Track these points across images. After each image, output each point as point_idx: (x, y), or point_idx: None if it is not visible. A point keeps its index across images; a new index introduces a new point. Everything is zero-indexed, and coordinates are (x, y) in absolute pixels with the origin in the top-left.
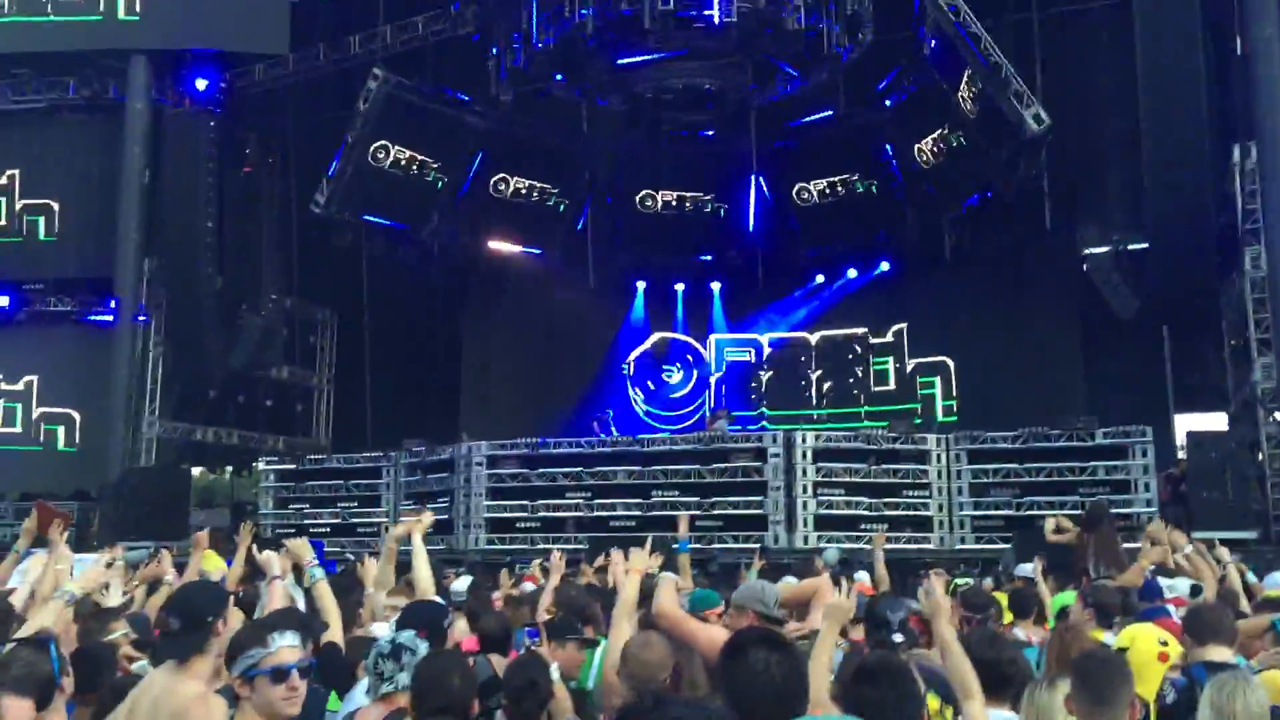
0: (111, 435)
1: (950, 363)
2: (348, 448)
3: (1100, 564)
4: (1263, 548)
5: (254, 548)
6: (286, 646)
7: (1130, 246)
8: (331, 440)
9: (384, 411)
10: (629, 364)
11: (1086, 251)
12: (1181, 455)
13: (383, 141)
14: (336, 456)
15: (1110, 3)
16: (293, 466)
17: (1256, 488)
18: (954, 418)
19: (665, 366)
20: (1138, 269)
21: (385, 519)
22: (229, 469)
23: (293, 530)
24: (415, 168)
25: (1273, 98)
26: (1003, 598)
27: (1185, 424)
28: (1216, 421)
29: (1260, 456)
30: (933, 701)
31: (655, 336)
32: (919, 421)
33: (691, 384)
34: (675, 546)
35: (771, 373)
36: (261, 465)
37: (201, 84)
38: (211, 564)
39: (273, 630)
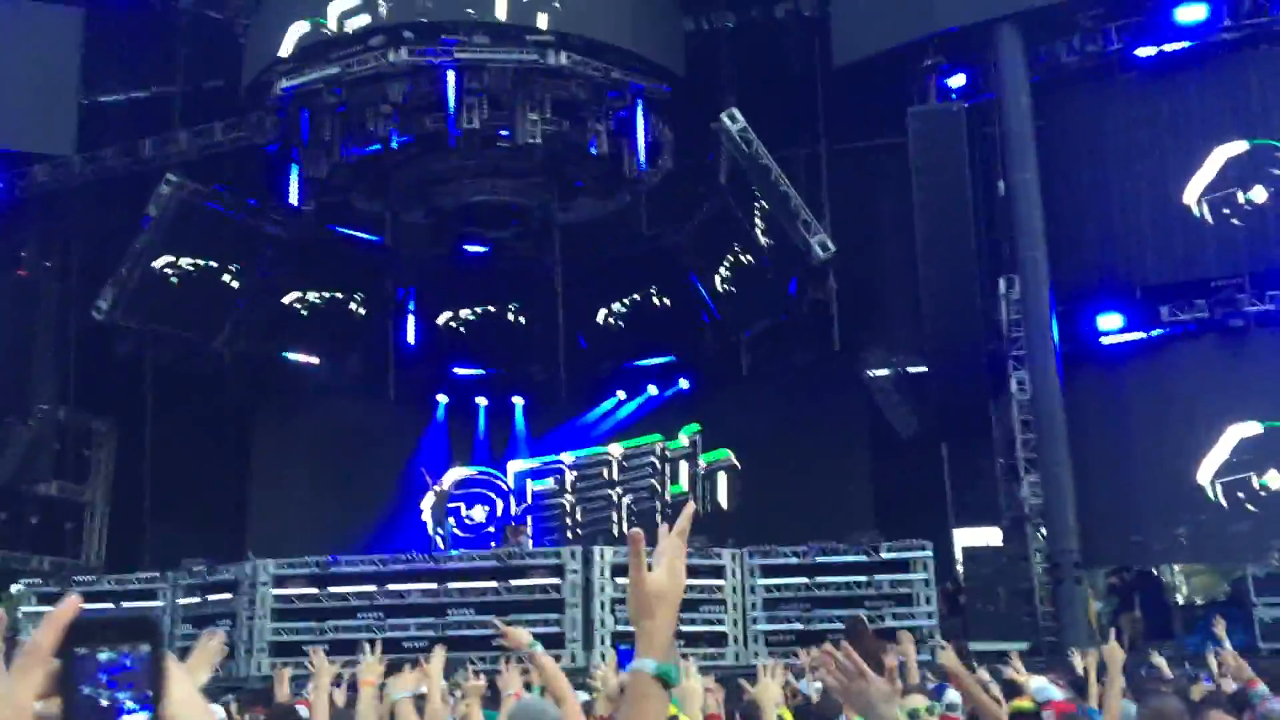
0: None
1: (735, 461)
2: (123, 568)
3: None
4: (1034, 658)
5: None
6: None
7: (910, 369)
8: (105, 561)
9: (164, 530)
10: (440, 486)
11: (869, 373)
12: (959, 568)
13: (174, 248)
14: (108, 578)
15: (892, 142)
16: (57, 589)
17: (1027, 600)
18: (737, 509)
19: (466, 504)
20: (917, 390)
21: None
22: None
23: None
24: (208, 276)
25: (1032, 235)
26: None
27: (963, 538)
28: (992, 536)
29: (1030, 570)
30: None
31: (453, 472)
32: (707, 510)
33: (495, 519)
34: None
35: (574, 497)
36: (21, 587)
37: None
38: None
39: None
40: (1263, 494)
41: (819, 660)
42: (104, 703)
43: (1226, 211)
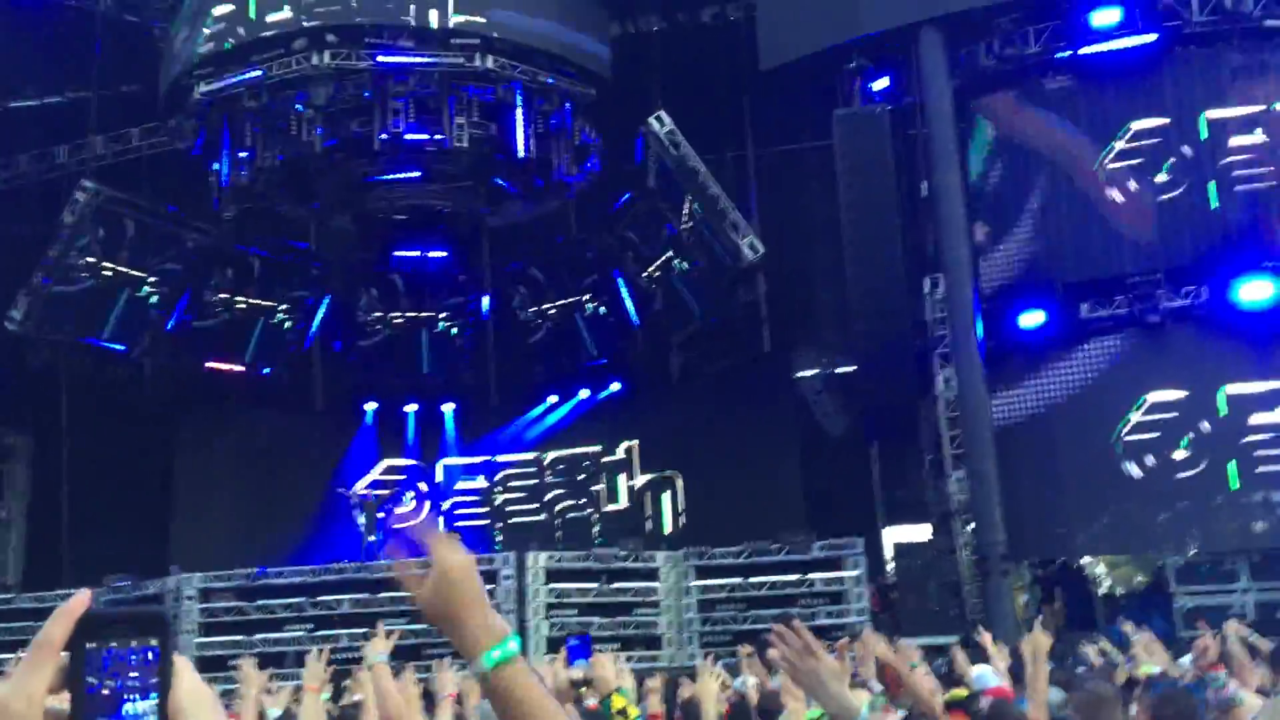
0: None
1: (679, 479)
2: (40, 586)
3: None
4: (963, 651)
5: None
6: None
7: (838, 369)
8: (22, 578)
9: (84, 545)
10: (353, 494)
11: (799, 374)
12: (890, 565)
13: (89, 257)
14: (25, 596)
15: (818, 144)
16: None
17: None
18: (679, 530)
19: (400, 498)
20: (846, 390)
21: None
22: None
23: None
24: (126, 285)
25: (955, 235)
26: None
27: (893, 535)
28: (921, 532)
29: (958, 564)
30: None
31: (383, 464)
32: (648, 531)
33: (424, 512)
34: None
35: (505, 497)
36: None
37: None
38: None
39: None
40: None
41: (773, 640)
42: (108, 694)
43: (1134, 185)
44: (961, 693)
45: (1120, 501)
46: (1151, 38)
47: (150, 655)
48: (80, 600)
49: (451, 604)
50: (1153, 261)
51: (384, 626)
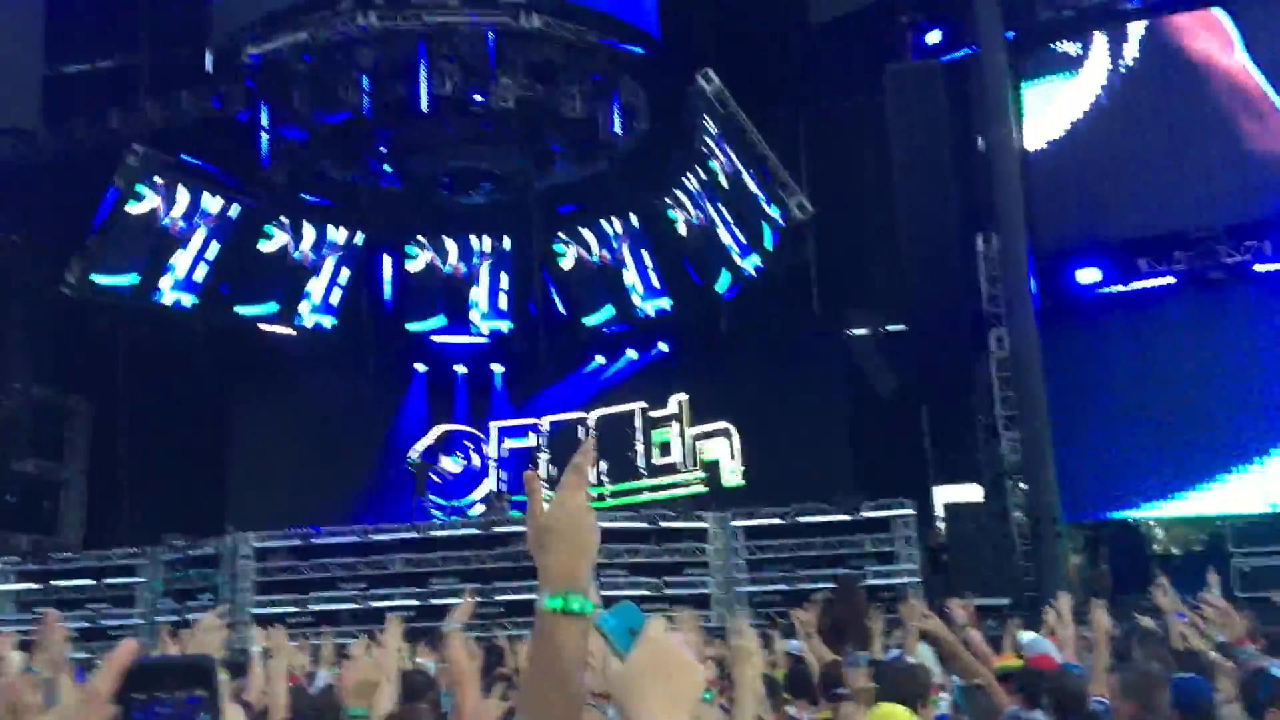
0: None
1: (733, 428)
2: (101, 545)
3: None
4: (1016, 612)
5: None
6: None
7: (889, 329)
8: (84, 538)
9: (143, 506)
10: (414, 456)
11: (850, 333)
12: (941, 526)
13: (141, 220)
14: (87, 554)
15: (870, 100)
16: (37, 566)
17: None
18: (742, 483)
19: (445, 456)
20: (897, 350)
21: (140, 620)
22: None
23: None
24: (178, 248)
25: (1011, 191)
26: (780, 675)
27: (944, 496)
28: (972, 493)
29: (1010, 526)
30: None
31: (437, 430)
32: (705, 491)
33: (474, 473)
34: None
35: (550, 455)
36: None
37: None
38: None
39: None
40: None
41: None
42: None
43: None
44: (1015, 661)
45: (1180, 461)
46: None
47: (198, 706)
48: (127, 651)
49: (553, 541)
50: (1213, 217)
51: (471, 598)
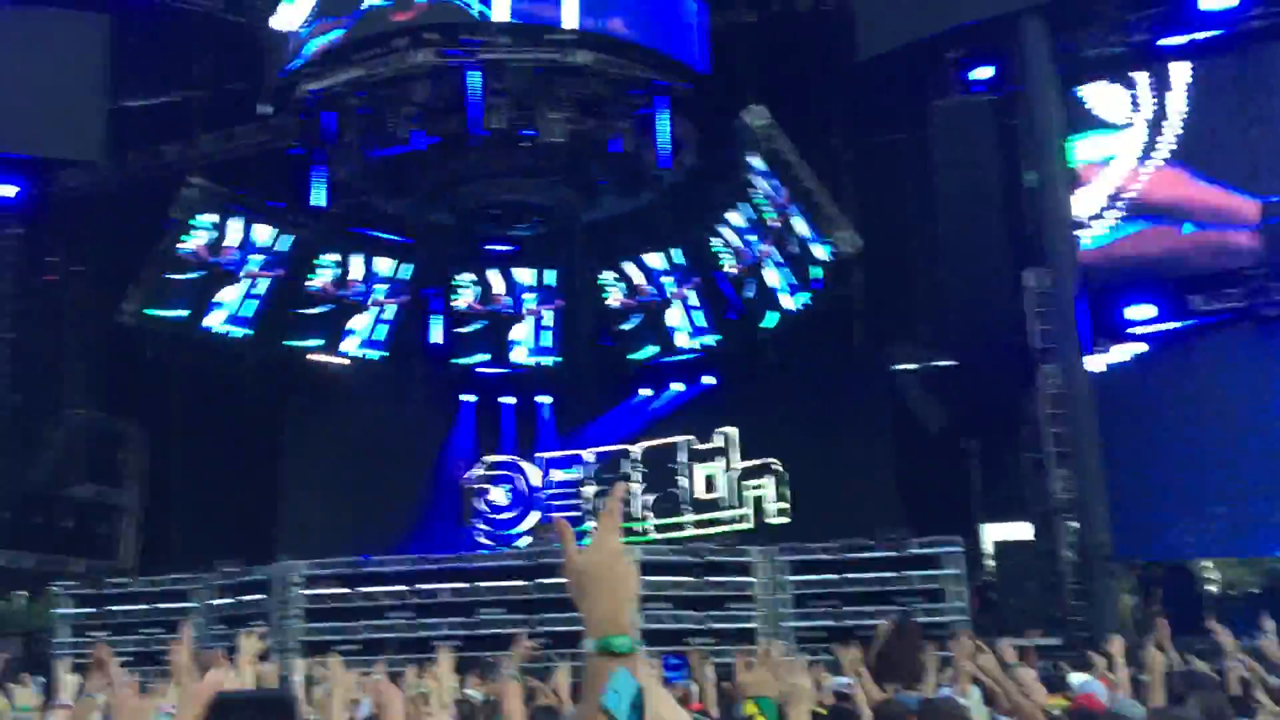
0: None
1: (779, 465)
2: (156, 571)
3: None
4: (1065, 652)
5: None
6: None
7: (937, 363)
8: (138, 563)
9: (196, 532)
10: (469, 483)
11: (894, 368)
12: (990, 563)
13: (197, 252)
14: (141, 580)
15: (915, 135)
16: (92, 591)
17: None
18: (787, 520)
19: (493, 487)
20: (944, 384)
21: (195, 645)
22: (23, 595)
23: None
24: (231, 279)
25: (1060, 226)
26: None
27: (992, 533)
28: (1021, 531)
29: (1060, 565)
30: None
31: (485, 460)
32: (750, 529)
33: (522, 503)
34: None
35: (597, 488)
36: (56, 590)
37: (9, 190)
38: (23, 699)
39: None
40: None
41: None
42: None
43: None
44: (1061, 700)
45: (1232, 502)
46: (1265, 22)
47: None
48: (213, 682)
49: (591, 586)
50: (1268, 254)
51: (526, 642)
